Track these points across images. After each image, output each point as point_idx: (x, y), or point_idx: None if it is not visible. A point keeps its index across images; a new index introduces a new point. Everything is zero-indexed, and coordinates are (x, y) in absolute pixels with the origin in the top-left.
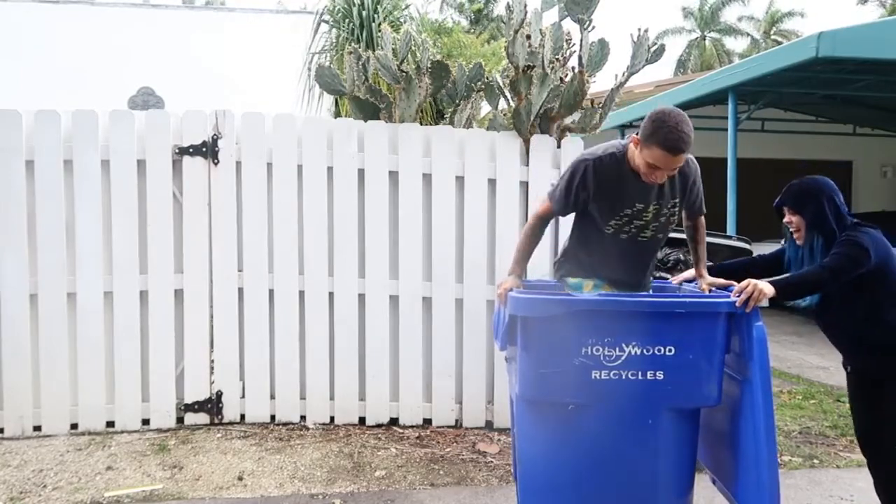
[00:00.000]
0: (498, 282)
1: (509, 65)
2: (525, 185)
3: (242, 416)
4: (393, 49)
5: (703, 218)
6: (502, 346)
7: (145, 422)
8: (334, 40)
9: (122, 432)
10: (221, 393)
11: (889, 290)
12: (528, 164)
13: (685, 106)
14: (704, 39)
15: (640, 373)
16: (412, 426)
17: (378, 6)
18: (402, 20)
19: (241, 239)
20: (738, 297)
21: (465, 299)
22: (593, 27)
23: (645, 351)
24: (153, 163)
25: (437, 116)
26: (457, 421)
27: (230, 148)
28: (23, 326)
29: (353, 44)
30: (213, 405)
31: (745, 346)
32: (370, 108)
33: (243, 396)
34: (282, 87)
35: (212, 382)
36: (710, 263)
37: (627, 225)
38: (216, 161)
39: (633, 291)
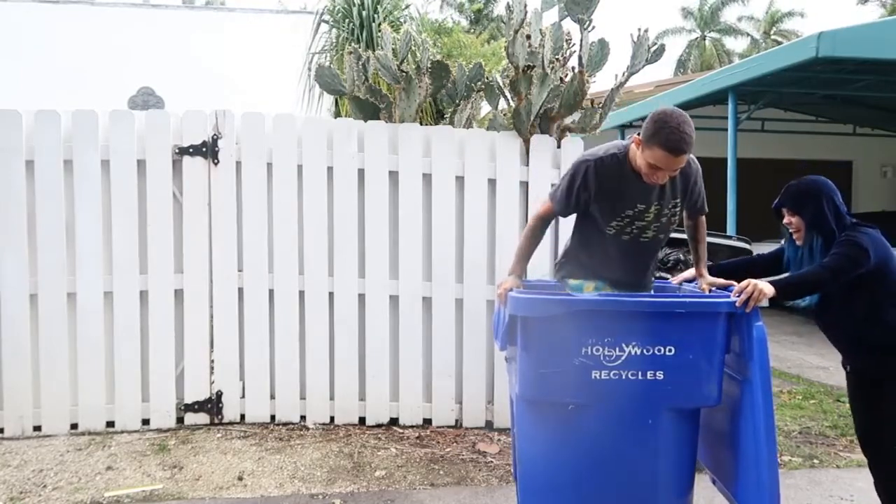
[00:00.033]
0: (498, 282)
1: (509, 65)
2: (525, 185)
3: (242, 416)
4: (393, 49)
5: (704, 217)
6: (502, 346)
7: (145, 422)
8: (334, 40)
9: (122, 432)
10: (221, 393)
11: (888, 290)
12: (528, 164)
13: (685, 106)
14: (704, 39)
15: (640, 373)
16: (412, 426)
17: (378, 6)
18: (402, 20)
19: (241, 239)
20: (738, 297)
21: (465, 299)
22: (593, 27)
23: (645, 351)
24: (153, 163)
25: (437, 116)
26: (457, 421)
27: (230, 148)
28: (23, 326)
29: (353, 44)
30: (213, 405)
31: (745, 346)
32: (370, 108)
33: (243, 396)
34: (282, 87)
35: (212, 382)
36: (710, 263)
37: (629, 226)
38: (216, 161)
39: (635, 292)
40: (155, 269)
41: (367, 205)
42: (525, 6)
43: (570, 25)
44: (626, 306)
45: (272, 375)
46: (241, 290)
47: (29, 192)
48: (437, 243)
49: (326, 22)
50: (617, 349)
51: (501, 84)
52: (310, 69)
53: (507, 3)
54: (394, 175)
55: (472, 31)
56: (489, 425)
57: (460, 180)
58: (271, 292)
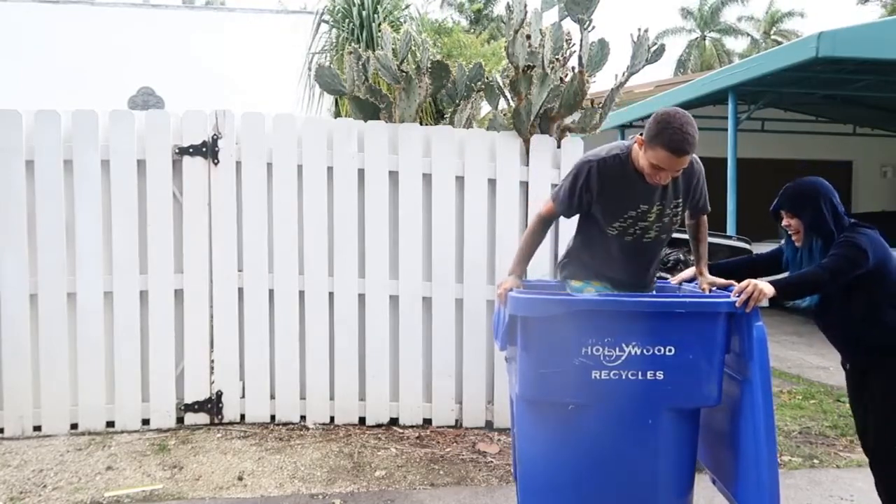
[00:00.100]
0: (498, 282)
1: (509, 65)
2: (525, 185)
3: (242, 416)
4: (393, 49)
5: (705, 216)
6: (502, 346)
7: (145, 422)
8: (334, 40)
9: (122, 432)
10: (221, 393)
11: (887, 290)
12: (528, 164)
13: (685, 106)
14: (704, 39)
15: (640, 373)
16: (412, 426)
17: (378, 6)
18: (402, 20)
19: (241, 239)
20: (738, 297)
21: (465, 299)
22: (593, 27)
23: (645, 351)
24: (153, 163)
25: (437, 116)
26: (457, 421)
27: (230, 148)
28: (23, 326)
29: (353, 44)
30: (213, 405)
31: (745, 346)
32: (370, 108)
33: (243, 396)
34: (282, 87)
35: (212, 382)
36: (709, 263)
37: (632, 227)
38: (216, 161)
39: (638, 292)
40: (155, 269)
41: (367, 205)
42: (525, 6)
43: (570, 25)
44: (626, 306)
45: (272, 375)
46: (241, 290)
47: (29, 192)
48: (437, 243)
49: (326, 22)
50: (617, 349)
51: (501, 84)
52: (310, 69)
53: (507, 3)
54: (394, 175)
55: (472, 31)
56: (489, 425)
57: (460, 180)
58: (271, 292)
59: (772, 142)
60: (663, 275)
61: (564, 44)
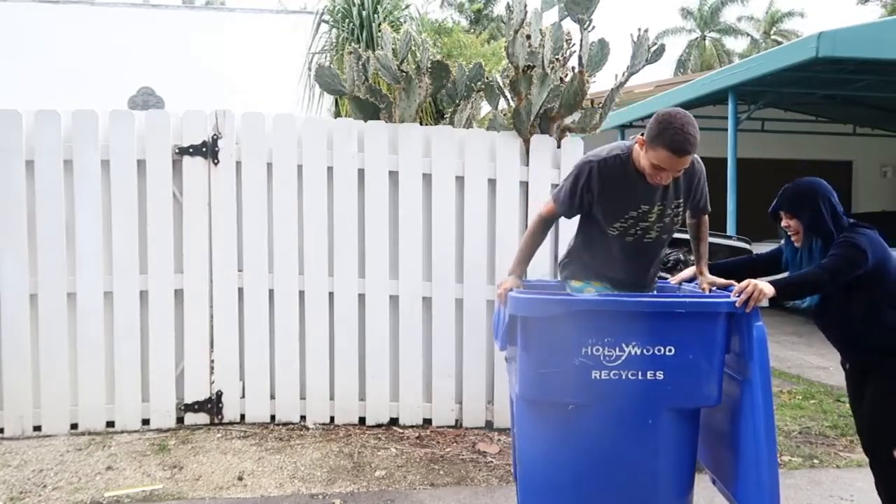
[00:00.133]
0: (498, 282)
1: (509, 65)
2: (525, 185)
3: (242, 416)
4: (393, 49)
5: (706, 216)
6: (502, 346)
7: (145, 422)
8: (334, 40)
9: (122, 432)
10: (221, 393)
11: (886, 290)
12: (528, 164)
13: (685, 106)
14: (704, 39)
15: (640, 373)
16: (412, 426)
17: (378, 6)
18: (402, 20)
19: (241, 239)
20: (738, 297)
21: (465, 299)
22: (593, 27)
23: (645, 351)
24: (153, 163)
25: (437, 116)
26: (457, 421)
27: (230, 148)
28: (23, 326)
29: (353, 44)
30: (213, 405)
31: (745, 346)
32: (370, 108)
33: (243, 396)
34: (282, 87)
35: (212, 382)
36: (710, 262)
37: (633, 227)
38: (216, 161)
39: (638, 292)
40: (155, 269)
41: (367, 205)
42: (525, 6)
43: (570, 25)
44: (626, 306)
45: (272, 375)
46: (241, 290)
47: (29, 192)
48: (437, 243)
49: (326, 22)
50: (617, 349)
51: (501, 84)
52: (310, 69)
53: (507, 3)
54: (394, 175)
55: (472, 31)
56: (489, 425)
57: (460, 180)
58: (271, 292)
59: (772, 142)
60: (663, 275)
61: (564, 44)
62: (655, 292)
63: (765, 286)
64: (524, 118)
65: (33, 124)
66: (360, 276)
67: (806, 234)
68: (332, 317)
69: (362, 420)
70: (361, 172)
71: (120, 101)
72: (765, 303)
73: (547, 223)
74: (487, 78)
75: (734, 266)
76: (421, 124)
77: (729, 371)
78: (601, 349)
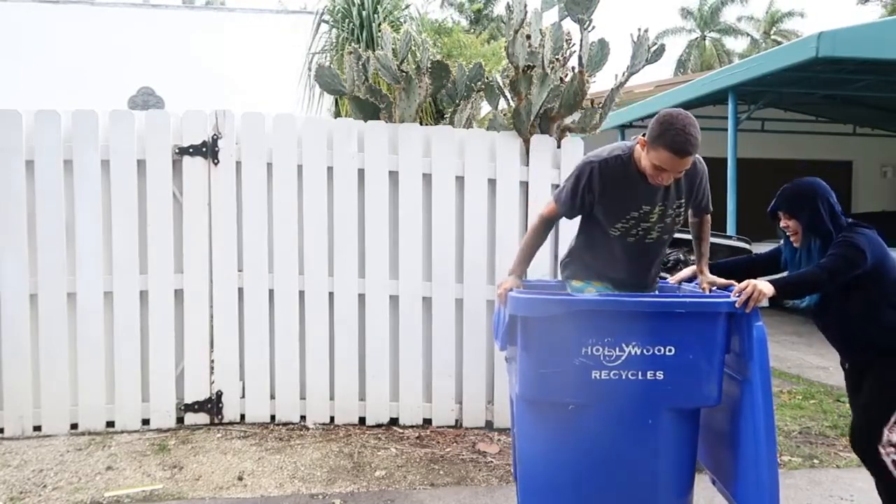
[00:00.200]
0: (498, 282)
1: (509, 65)
2: (525, 185)
3: (242, 416)
4: (393, 49)
5: (708, 215)
6: (502, 346)
7: (145, 422)
8: (334, 40)
9: (122, 432)
10: (221, 393)
11: (885, 290)
12: (528, 164)
13: (685, 106)
14: (704, 39)
15: (640, 373)
16: (412, 426)
17: (378, 6)
18: (402, 20)
19: (241, 239)
20: (738, 297)
21: (465, 299)
22: (593, 27)
23: (645, 351)
24: (153, 163)
25: (437, 116)
26: (457, 421)
27: (230, 148)
28: (23, 326)
29: (353, 44)
30: (213, 405)
31: (745, 346)
32: (370, 108)
33: (243, 396)
34: (282, 87)
35: (212, 382)
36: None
37: (634, 228)
38: (216, 161)
39: (640, 292)
40: (155, 269)
41: (367, 205)
42: (525, 6)
43: (570, 25)
44: (626, 306)
45: (272, 375)
46: (241, 290)
47: (29, 192)
48: (437, 243)
49: (326, 22)
50: (617, 349)
51: (501, 84)
52: (310, 69)
53: (507, 3)
54: (394, 175)
55: (472, 31)
56: (489, 425)
57: (460, 180)
58: (271, 292)
59: (772, 142)
60: (663, 274)
61: (564, 44)
62: (657, 292)
63: (764, 286)
64: (524, 118)
65: (33, 124)
66: (360, 276)
67: (805, 234)
68: (332, 317)
69: (362, 420)
70: (361, 172)
71: (120, 101)
72: (765, 303)
73: (548, 224)
74: (487, 78)
75: (733, 266)
76: (421, 124)
77: (729, 371)
78: (601, 349)
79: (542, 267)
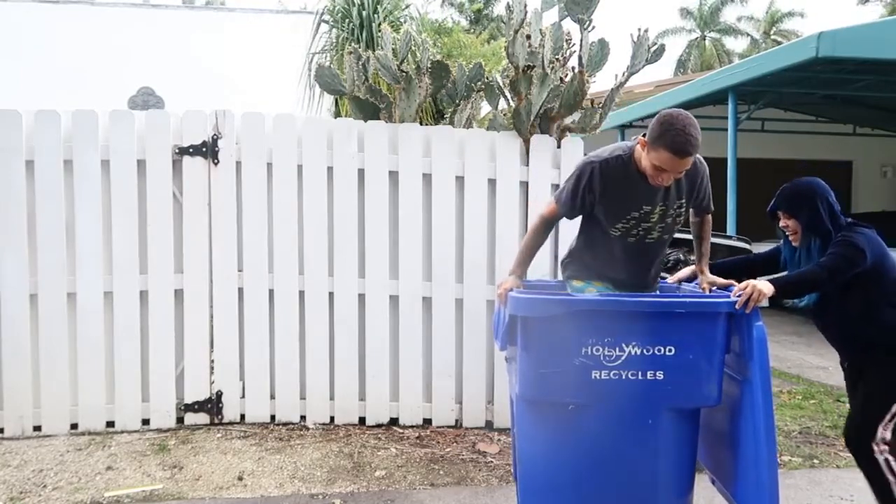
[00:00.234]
0: (498, 282)
1: (509, 65)
2: (525, 185)
3: (242, 416)
4: (393, 49)
5: (710, 215)
6: (502, 346)
7: (145, 422)
8: (334, 40)
9: (122, 432)
10: (221, 393)
11: (884, 289)
12: (528, 164)
13: (685, 106)
14: (704, 39)
15: (640, 373)
16: (412, 426)
17: (378, 6)
18: (402, 20)
19: (241, 239)
20: (738, 297)
21: (465, 299)
22: (593, 27)
23: (645, 351)
24: (153, 163)
25: (437, 116)
26: (457, 421)
27: (230, 148)
28: (23, 326)
29: (353, 44)
30: (213, 405)
31: (745, 346)
32: (370, 108)
33: (243, 396)
34: (282, 87)
35: (212, 382)
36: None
37: (634, 228)
38: (216, 161)
39: (640, 292)
40: (155, 269)
41: (367, 205)
42: (525, 6)
43: (570, 25)
44: (626, 306)
45: (272, 375)
46: (241, 290)
47: (29, 192)
48: (437, 243)
49: (326, 22)
50: (617, 349)
51: (501, 84)
52: (310, 69)
53: (507, 3)
54: (394, 175)
55: (472, 31)
56: (489, 425)
57: (460, 180)
58: (271, 292)
59: (772, 142)
60: (663, 274)
61: (564, 44)
62: (658, 292)
63: (764, 286)
64: (524, 118)
65: (33, 124)
66: (360, 276)
67: (804, 233)
68: (332, 317)
69: (362, 420)
70: (361, 172)
71: (120, 101)
72: (764, 302)
73: (548, 224)
74: (487, 78)
75: (733, 266)
76: (421, 124)
77: (729, 371)
78: (601, 349)
79: (542, 267)
